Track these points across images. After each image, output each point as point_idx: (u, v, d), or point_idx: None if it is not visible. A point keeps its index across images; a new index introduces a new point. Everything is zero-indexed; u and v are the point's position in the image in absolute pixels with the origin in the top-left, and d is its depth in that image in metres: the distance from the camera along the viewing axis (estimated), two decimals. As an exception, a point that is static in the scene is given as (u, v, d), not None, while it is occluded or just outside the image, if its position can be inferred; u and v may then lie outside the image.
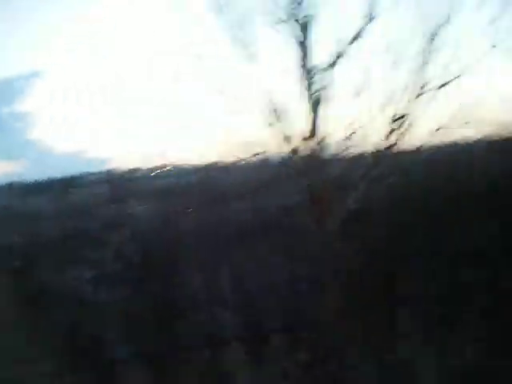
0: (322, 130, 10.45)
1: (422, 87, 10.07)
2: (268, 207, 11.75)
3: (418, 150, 10.34)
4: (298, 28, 10.12)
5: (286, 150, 10.78)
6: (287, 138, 10.64)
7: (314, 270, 9.61)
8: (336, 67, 10.22)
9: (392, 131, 10.17)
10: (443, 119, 10.10)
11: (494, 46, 9.71)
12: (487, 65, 9.92)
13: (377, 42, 10.02)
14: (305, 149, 10.53)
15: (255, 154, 11.25)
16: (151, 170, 20.19)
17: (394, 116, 10.15)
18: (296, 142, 10.60)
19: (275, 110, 10.57)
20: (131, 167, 21.32)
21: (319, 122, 10.42)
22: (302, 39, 10.17)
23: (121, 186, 20.18)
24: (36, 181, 24.15)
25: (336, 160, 10.68)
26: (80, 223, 17.45)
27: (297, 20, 10.07)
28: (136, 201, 18.17)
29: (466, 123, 10.00)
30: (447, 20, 9.77)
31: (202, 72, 10.80)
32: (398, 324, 9.00)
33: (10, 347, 9.83)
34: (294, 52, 10.32)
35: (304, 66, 10.29)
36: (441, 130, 10.17)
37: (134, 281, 11.59)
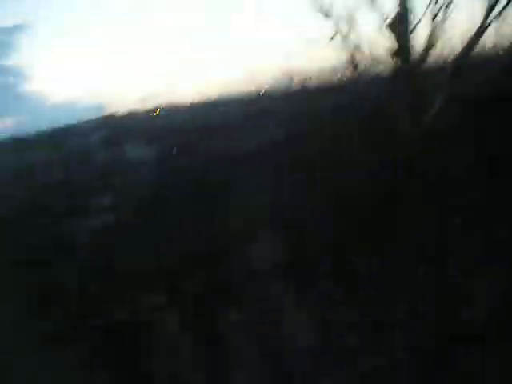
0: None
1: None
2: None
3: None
4: None
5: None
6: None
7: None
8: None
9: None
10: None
11: None
12: None
13: None
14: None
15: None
16: (147, 111, 19.69)
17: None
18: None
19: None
20: (127, 111, 20.80)
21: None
22: None
23: (118, 131, 19.60)
24: (31, 133, 23.58)
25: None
26: (80, 170, 17.02)
27: None
28: (135, 143, 17.62)
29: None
30: None
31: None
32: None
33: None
34: None
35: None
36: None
37: (145, 225, 10.93)
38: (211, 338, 7.71)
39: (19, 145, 22.80)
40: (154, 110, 16.47)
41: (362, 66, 9.78)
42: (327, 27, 9.65)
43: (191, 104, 15.73)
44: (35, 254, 11.21)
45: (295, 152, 9.85)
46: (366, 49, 9.64)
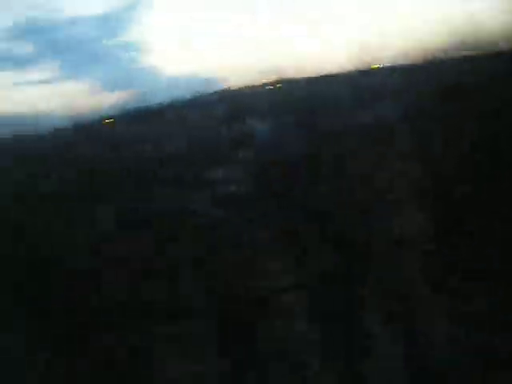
0: None
1: None
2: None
3: None
4: None
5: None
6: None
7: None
8: None
9: None
10: None
11: None
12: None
13: None
14: None
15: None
16: (266, 85, 19.64)
17: None
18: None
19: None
20: (246, 84, 20.84)
21: None
22: None
23: (240, 105, 19.73)
24: (152, 105, 24.20)
25: None
26: (202, 142, 17.27)
27: None
28: (257, 118, 17.65)
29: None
30: None
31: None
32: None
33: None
34: None
35: None
36: None
37: (272, 196, 10.88)
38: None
39: (141, 116, 23.50)
40: (273, 83, 16.37)
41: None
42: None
43: (311, 78, 15.42)
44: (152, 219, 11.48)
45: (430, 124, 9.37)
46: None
